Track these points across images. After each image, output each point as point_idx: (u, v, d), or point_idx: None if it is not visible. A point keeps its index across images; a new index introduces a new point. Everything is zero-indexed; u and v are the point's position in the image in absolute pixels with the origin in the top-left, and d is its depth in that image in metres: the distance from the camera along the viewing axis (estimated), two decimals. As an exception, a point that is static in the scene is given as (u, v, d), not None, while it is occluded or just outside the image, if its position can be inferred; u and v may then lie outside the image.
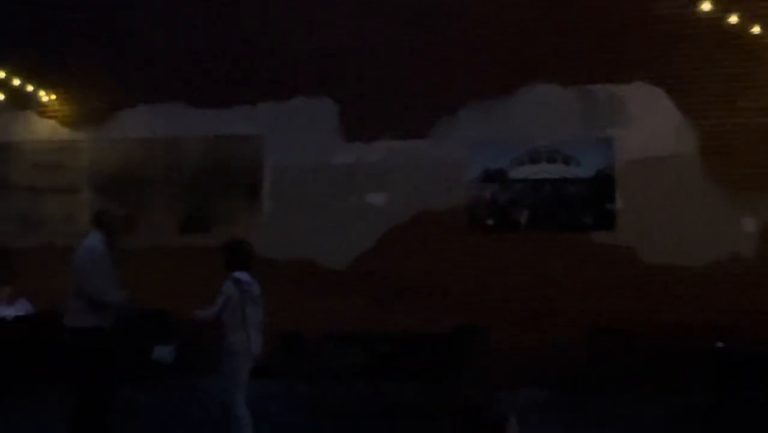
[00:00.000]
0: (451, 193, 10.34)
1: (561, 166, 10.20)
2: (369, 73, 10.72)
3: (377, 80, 10.67)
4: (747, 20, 9.58)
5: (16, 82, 11.26)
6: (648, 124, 10.04)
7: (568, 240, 10.13)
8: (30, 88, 11.41)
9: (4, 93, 11.46)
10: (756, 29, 9.57)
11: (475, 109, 10.37)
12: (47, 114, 11.72)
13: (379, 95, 10.62)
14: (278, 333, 10.32)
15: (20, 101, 11.60)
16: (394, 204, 10.56)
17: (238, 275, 6.57)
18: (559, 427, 7.51)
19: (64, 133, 11.69)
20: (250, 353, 6.49)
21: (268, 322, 10.21)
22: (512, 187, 10.30)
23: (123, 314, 7.03)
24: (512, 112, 10.27)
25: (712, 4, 9.48)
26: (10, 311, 10.02)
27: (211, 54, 11.16)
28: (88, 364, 6.49)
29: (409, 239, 10.36)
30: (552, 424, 7.40)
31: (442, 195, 10.37)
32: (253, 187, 11.06)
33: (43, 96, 11.58)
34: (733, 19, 9.54)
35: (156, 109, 11.35)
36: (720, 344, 8.60)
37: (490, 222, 10.34)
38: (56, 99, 11.65)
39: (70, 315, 6.64)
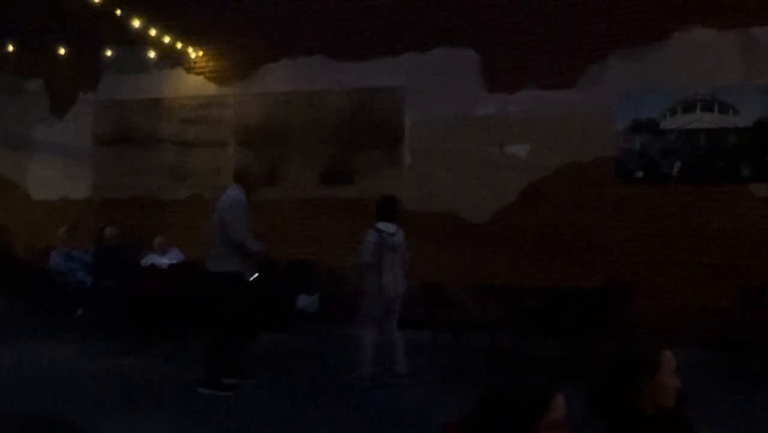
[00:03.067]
0: (598, 144, 9.99)
1: (717, 116, 9.64)
2: (512, 21, 10.45)
3: (521, 29, 10.40)
4: None
5: (166, 39, 11.62)
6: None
7: (723, 193, 9.60)
8: (179, 45, 11.77)
9: (155, 51, 11.89)
10: None
11: (624, 56, 9.91)
12: (195, 70, 12.09)
13: (523, 44, 10.35)
14: (421, 284, 10.40)
15: (170, 59, 12.02)
16: (538, 156, 10.30)
17: (380, 225, 7.26)
18: (719, 389, 7.16)
19: (210, 88, 12.03)
20: (382, 295, 7.21)
21: (410, 273, 10.42)
22: (664, 137, 9.84)
23: (261, 262, 7.45)
24: (665, 58, 9.76)
25: None
26: (163, 260, 10.43)
27: (352, 6, 11.17)
28: (226, 307, 6.97)
29: (554, 192, 10.12)
30: (710, 385, 7.06)
31: (589, 146, 10.03)
32: (395, 140, 11.05)
33: (191, 53, 11.94)
34: None
35: (298, 62, 11.50)
36: None
37: (640, 174, 9.93)
38: (203, 56, 11.99)
39: (212, 261, 7.13)
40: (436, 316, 10.01)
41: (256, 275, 9.54)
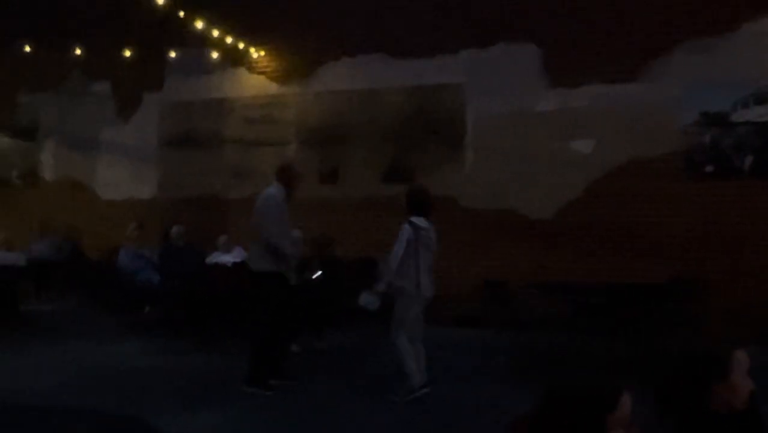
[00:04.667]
0: (665, 138, 9.75)
1: (792, 108, 9.35)
2: (574, 14, 10.28)
3: (583, 22, 10.22)
4: None
5: (229, 40, 11.76)
6: None
7: (797, 188, 9.30)
8: (241, 45, 11.90)
9: (218, 51, 12.05)
10: None
11: (692, 48, 9.66)
12: (257, 70, 12.23)
13: (586, 37, 10.18)
14: (482, 282, 10.33)
15: (232, 59, 12.17)
16: (603, 152, 10.11)
17: (416, 219, 6.64)
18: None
19: (272, 88, 12.15)
20: (420, 295, 6.61)
21: (471, 271, 10.36)
22: (734, 131, 9.55)
23: (296, 262, 7.47)
24: (735, 50, 9.47)
25: None
26: (228, 258, 10.54)
27: (412, 4, 11.13)
28: (265, 306, 6.89)
29: (620, 188, 9.91)
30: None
31: (656, 141, 9.81)
32: (455, 137, 10.98)
33: (254, 53, 12.07)
34: None
35: (358, 61, 11.53)
36: None
37: (709, 169, 9.67)
38: (265, 55, 12.11)
39: (251, 260, 7.09)
40: (498, 313, 9.96)
41: (320, 273, 9.64)
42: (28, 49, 12.84)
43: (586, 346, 8.21)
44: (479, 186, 10.65)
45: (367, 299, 6.98)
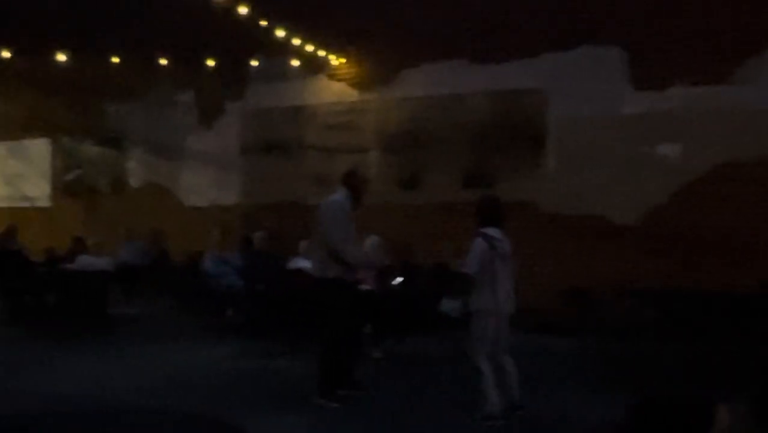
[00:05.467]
0: (758, 142, 9.43)
1: None
2: (660, 15, 10.04)
3: (670, 23, 9.98)
4: None
5: (309, 48, 11.88)
6: None
7: None
8: (322, 53, 12.01)
9: (299, 59, 12.19)
10: None
11: (784, 47, 9.35)
12: (337, 77, 12.35)
13: (672, 39, 9.94)
14: (565, 289, 10.17)
15: (313, 66, 12.30)
16: (692, 156, 9.86)
17: (489, 231, 6.28)
18: None
19: (352, 94, 12.24)
20: (497, 310, 6.17)
21: (554, 277, 10.20)
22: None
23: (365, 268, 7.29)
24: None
25: None
26: (308, 263, 10.60)
27: (491, 9, 11.04)
28: (331, 315, 6.69)
29: (709, 193, 9.64)
30: None
31: (748, 144, 9.50)
32: (537, 142, 10.85)
33: (334, 60, 12.17)
34: None
35: (438, 67, 11.51)
36: None
37: (808, 173, 9.31)
38: (346, 63, 12.19)
39: (315, 266, 6.93)
40: (582, 321, 9.77)
41: (401, 279, 9.62)
42: (115, 60, 13.22)
43: (672, 355, 8.01)
44: (561, 191, 10.50)
45: (448, 306, 6.82)
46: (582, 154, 10.47)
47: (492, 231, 6.26)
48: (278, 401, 6.76)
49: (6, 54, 13.00)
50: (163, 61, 13.07)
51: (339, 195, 6.81)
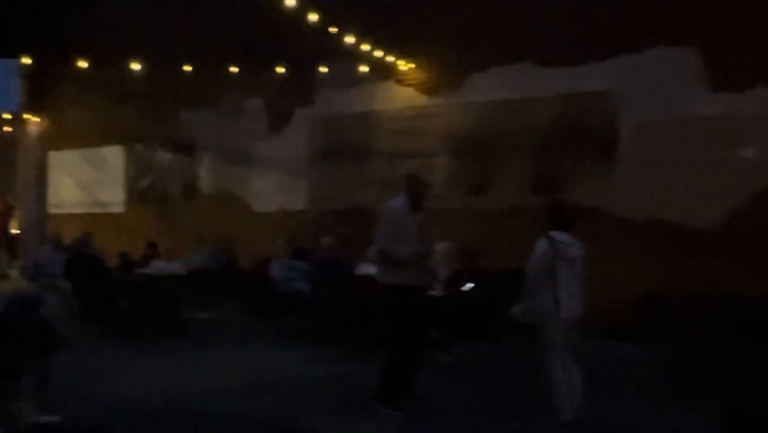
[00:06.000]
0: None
1: None
2: (738, 13, 9.73)
3: (747, 22, 9.66)
4: None
5: (378, 54, 11.89)
6: None
7: None
8: (390, 58, 12.02)
9: (367, 65, 12.22)
10: None
11: None
12: (405, 82, 12.35)
13: (751, 39, 9.61)
14: (639, 295, 9.91)
15: (381, 72, 12.32)
16: (771, 159, 9.52)
17: (555, 234, 6.19)
18: None
19: (420, 99, 12.22)
20: (562, 315, 6.04)
21: (627, 282, 9.96)
22: None
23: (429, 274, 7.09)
24: None
25: None
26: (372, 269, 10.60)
27: (560, 11, 10.88)
28: (393, 321, 6.64)
29: (791, 197, 9.29)
30: None
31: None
32: (607, 145, 10.64)
33: (402, 65, 12.17)
34: None
35: (506, 71, 11.40)
36: None
37: None
38: (414, 68, 12.17)
39: (378, 272, 6.87)
40: (656, 327, 9.52)
41: (472, 285, 9.53)
42: (187, 69, 13.46)
43: (752, 363, 7.74)
44: (634, 195, 10.28)
45: (517, 310, 6.76)
46: (656, 157, 10.21)
47: (559, 235, 6.20)
48: (348, 406, 6.76)
49: (83, 64, 13.34)
50: (234, 69, 13.25)
51: (398, 200, 6.76)
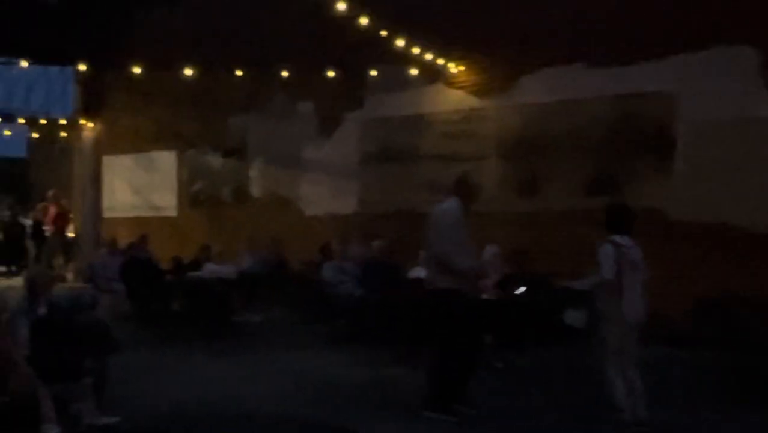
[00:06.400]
0: None
1: None
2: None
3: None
4: None
5: (428, 56, 11.85)
6: None
7: None
8: (440, 61, 11.97)
9: (417, 67, 12.19)
10: None
11: None
12: (455, 85, 12.28)
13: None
14: (696, 300, 9.72)
15: (431, 74, 12.28)
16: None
17: (617, 238, 6.11)
18: None
19: (470, 102, 12.15)
20: (626, 320, 6.00)
21: (682, 287, 9.74)
22: None
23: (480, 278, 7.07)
24: None
25: None
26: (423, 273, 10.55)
27: (613, 10, 10.70)
28: (445, 327, 6.52)
29: None
30: None
31: None
32: (664, 147, 10.45)
33: (452, 68, 12.11)
34: None
35: (558, 72, 11.27)
36: None
37: None
38: (464, 70, 12.11)
39: (428, 277, 6.76)
40: (713, 333, 9.30)
41: (524, 289, 9.43)
42: (238, 73, 13.58)
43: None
44: (691, 198, 10.07)
45: (572, 316, 6.67)
46: (713, 159, 9.99)
47: (620, 239, 6.11)
48: (395, 409, 6.73)
49: (136, 70, 13.54)
50: (284, 73, 13.33)
51: (449, 203, 6.68)
